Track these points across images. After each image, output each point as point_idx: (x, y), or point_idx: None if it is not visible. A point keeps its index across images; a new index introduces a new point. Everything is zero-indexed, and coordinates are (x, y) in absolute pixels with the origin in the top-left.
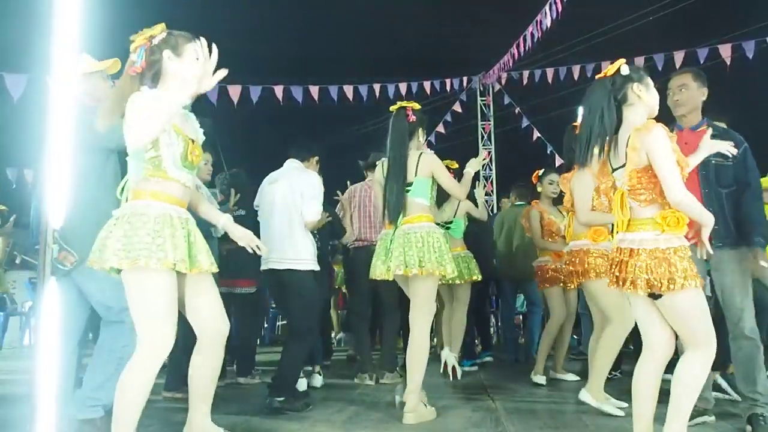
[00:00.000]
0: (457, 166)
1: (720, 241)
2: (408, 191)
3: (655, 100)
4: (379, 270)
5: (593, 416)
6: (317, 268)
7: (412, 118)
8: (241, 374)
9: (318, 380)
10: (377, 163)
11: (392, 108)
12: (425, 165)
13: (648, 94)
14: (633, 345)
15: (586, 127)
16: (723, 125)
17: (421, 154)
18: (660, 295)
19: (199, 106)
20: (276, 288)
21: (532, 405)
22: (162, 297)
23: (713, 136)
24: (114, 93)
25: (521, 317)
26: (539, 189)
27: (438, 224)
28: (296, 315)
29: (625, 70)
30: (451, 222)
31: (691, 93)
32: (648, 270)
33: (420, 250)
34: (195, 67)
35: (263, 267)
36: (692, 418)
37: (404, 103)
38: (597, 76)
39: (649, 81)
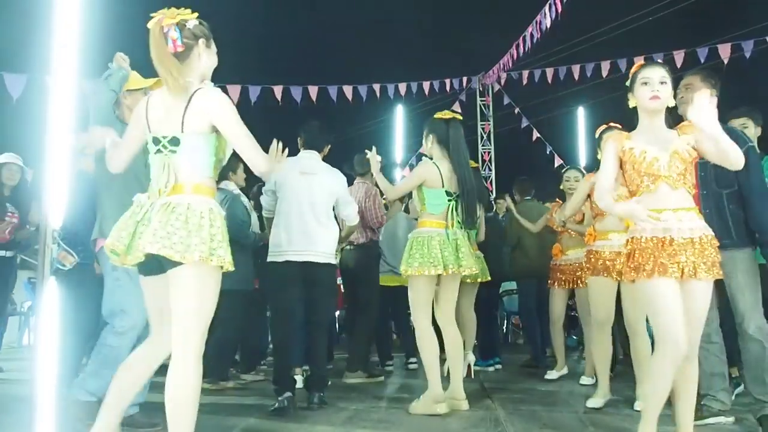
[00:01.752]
0: (476, 165)
1: (719, 244)
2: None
3: (640, 98)
4: (452, 265)
5: (593, 416)
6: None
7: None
8: (245, 371)
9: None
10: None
11: (440, 115)
12: None
13: (635, 97)
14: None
15: None
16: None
17: None
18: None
19: None
20: (304, 280)
21: (531, 405)
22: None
23: None
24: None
25: (519, 318)
26: (561, 187)
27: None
28: (326, 308)
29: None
30: None
31: (694, 94)
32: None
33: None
34: (215, 62)
35: (294, 258)
36: (704, 417)
37: (455, 114)
38: None
39: (636, 84)
